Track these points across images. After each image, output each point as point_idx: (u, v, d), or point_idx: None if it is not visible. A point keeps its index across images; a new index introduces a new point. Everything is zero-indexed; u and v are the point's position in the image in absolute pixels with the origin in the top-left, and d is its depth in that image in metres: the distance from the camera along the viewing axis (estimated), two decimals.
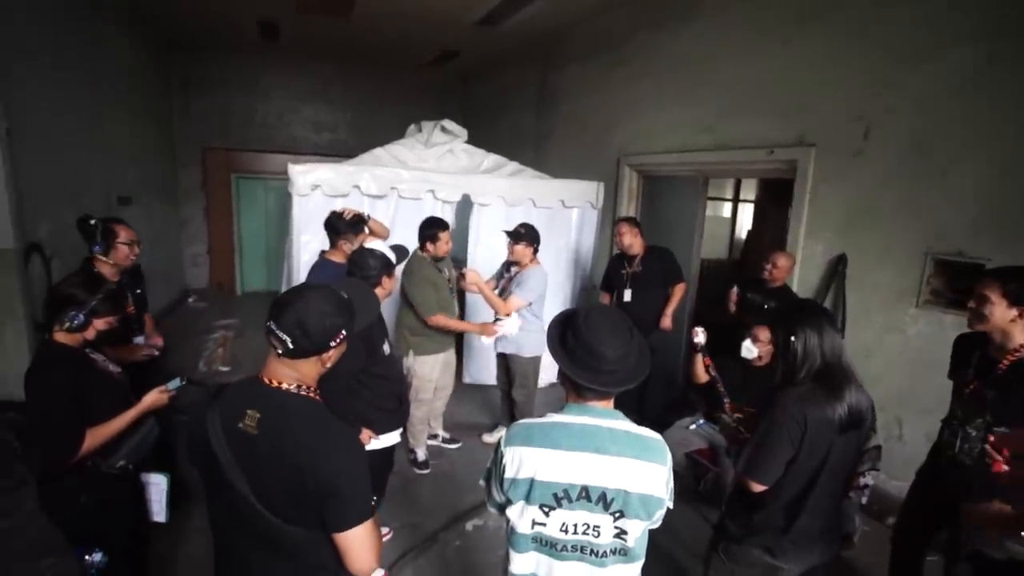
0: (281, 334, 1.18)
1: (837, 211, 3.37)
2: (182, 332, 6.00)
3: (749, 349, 3.11)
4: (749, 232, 8.09)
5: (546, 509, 1.24)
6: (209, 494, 1.27)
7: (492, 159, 4.92)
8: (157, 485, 1.95)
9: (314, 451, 1.14)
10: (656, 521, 1.28)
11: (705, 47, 4.22)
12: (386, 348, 2.46)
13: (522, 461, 1.24)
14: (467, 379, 4.91)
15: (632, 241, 3.96)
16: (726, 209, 8.07)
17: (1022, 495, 1.60)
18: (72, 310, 1.73)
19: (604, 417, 1.26)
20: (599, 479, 1.21)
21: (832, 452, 1.54)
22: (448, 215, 4.49)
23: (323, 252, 3.15)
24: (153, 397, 1.90)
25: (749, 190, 7.99)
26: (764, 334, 3.14)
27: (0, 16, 3.51)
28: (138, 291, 2.96)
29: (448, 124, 4.82)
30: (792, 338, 1.59)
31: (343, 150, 7.28)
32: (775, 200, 7.84)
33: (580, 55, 5.83)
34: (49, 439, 1.70)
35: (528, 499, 1.24)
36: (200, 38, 7.17)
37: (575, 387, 1.28)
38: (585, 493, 1.21)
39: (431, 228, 3.38)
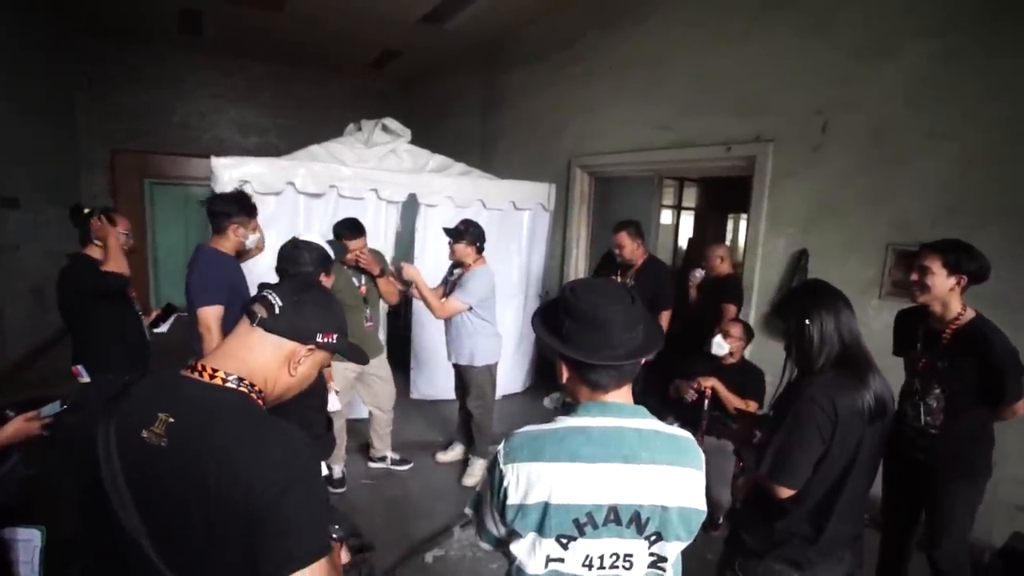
0: (273, 296, 0.97)
1: (798, 206, 3.34)
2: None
3: (720, 345, 2.99)
4: (690, 240, 8.23)
5: (565, 540, 0.96)
6: (87, 541, 0.91)
7: (438, 159, 4.64)
8: (27, 543, 1.49)
9: (249, 461, 0.81)
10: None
11: (659, 45, 4.17)
12: None
13: (531, 481, 0.96)
14: (415, 394, 4.56)
15: (634, 253, 3.58)
16: (667, 216, 8.17)
17: None
18: None
19: (629, 416, 1.01)
20: (631, 495, 0.96)
21: (862, 446, 1.36)
22: (392, 216, 4.17)
23: (203, 244, 2.61)
24: (17, 425, 1.47)
25: (690, 198, 8.14)
26: (735, 329, 3.03)
27: None
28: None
29: (390, 123, 4.50)
30: (807, 322, 1.42)
31: (274, 155, 6.75)
32: (717, 207, 8.08)
33: (528, 57, 5.70)
34: None
35: (542, 530, 0.96)
36: (110, 26, 6.44)
37: (584, 377, 1.02)
38: (614, 515, 0.96)
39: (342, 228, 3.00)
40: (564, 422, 1.02)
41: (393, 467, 3.51)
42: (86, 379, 2.54)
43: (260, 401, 0.95)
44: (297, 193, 3.69)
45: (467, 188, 4.39)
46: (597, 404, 1.02)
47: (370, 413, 3.43)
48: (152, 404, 0.87)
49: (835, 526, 1.40)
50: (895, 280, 2.95)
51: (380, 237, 4.11)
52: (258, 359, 0.95)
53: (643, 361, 1.05)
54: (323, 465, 2.02)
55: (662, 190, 4.66)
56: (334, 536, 1.00)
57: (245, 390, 0.93)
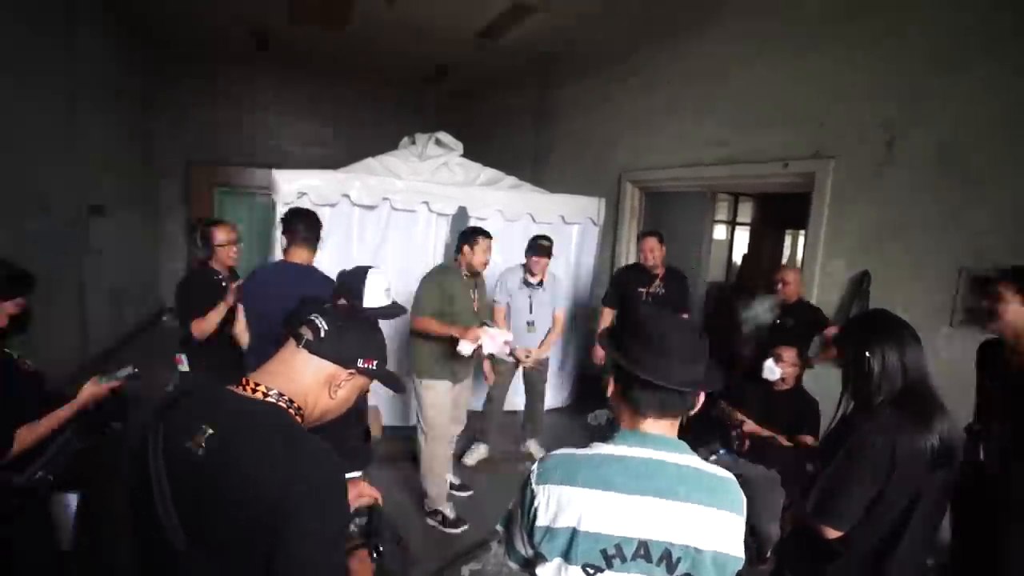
0: (320, 320, 1.02)
1: (860, 226, 3.18)
2: (152, 352, 5.62)
3: (771, 370, 2.87)
4: (744, 256, 7.96)
5: (591, 571, 0.95)
6: (137, 535, 0.96)
7: (488, 173, 4.70)
8: (69, 507, 1.65)
9: (276, 472, 0.85)
10: None
11: (715, 59, 4.09)
12: None
13: (561, 505, 0.96)
14: None
15: (660, 259, 3.66)
16: (721, 231, 7.94)
17: None
18: None
19: (669, 449, 0.99)
20: (663, 532, 0.93)
21: (922, 494, 1.28)
22: (443, 228, 4.25)
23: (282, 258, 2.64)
24: (91, 389, 1.63)
25: (745, 213, 7.88)
26: (788, 354, 2.91)
27: None
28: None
29: (443, 136, 4.61)
30: (867, 355, 1.35)
31: (332, 166, 7.02)
32: (772, 222, 7.78)
33: (580, 71, 5.71)
34: None
35: (568, 556, 0.95)
36: (187, 48, 6.95)
37: (628, 395, 1.01)
38: (644, 550, 0.93)
39: (468, 233, 3.08)
40: (601, 448, 1.00)
41: (454, 492, 3.38)
42: (185, 368, 2.75)
43: (299, 418, 0.98)
44: (352, 205, 3.83)
45: (516, 201, 4.43)
46: (636, 434, 1.00)
47: None
48: (197, 415, 0.92)
49: None
50: (968, 307, 2.75)
51: (430, 248, 4.20)
52: (300, 379, 0.99)
53: (693, 411, 1.02)
54: (358, 476, 2.07)
55: (715, 205, 4.55)
56: (356, 539, 1.08)
57: (284, 405, 0.96)
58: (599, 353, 3.98)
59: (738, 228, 7.87)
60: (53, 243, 4.32)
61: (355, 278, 2.00)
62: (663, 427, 1.01)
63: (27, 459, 1.54)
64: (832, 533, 1.33)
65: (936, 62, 2.81)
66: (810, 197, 3.43)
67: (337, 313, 1.06)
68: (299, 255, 2.58)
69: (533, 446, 3.97)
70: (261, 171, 7.47)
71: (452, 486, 3.38)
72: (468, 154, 4.70)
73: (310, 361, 1.00)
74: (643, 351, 0.99)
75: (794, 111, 3.51)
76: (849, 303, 3.20)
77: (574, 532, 0.94)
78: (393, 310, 2.06)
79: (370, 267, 2.09)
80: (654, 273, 3.66)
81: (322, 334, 1.00)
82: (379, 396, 4.14)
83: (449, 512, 3.06)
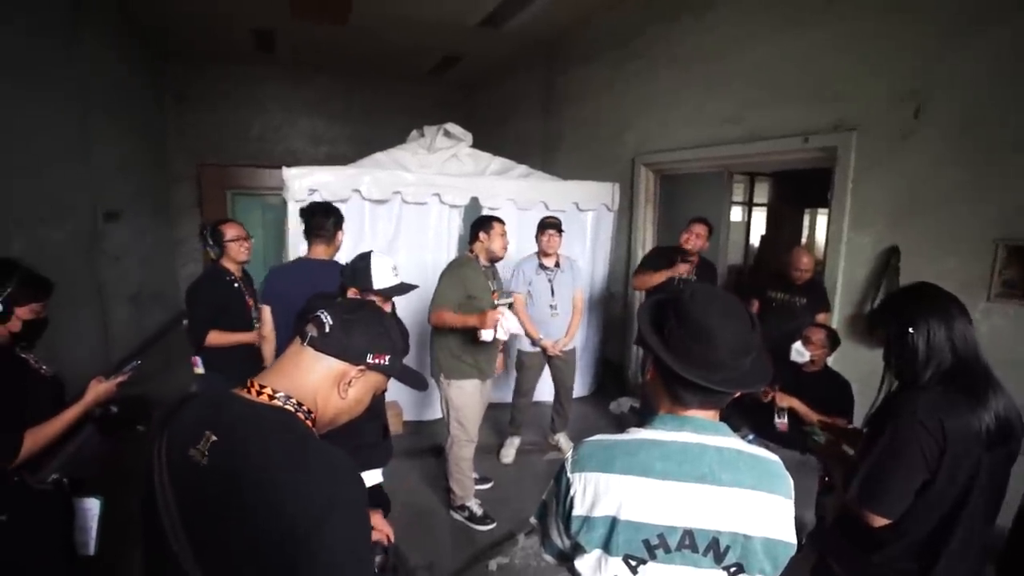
0: (325, 315, 0.95)
1: (886, 199, 3.06)
2: (173, 356, 5.66)
3: (800, 352, 2.80)
4: (763, 237, 7.79)
5: (634, 562, 0.90)
6: (146, 551, 0.91)
7: (499, 162, 4.63)
8: (88, 511, 1.63)
9: (288, 485, 0.78)
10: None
11: (727, 33, 3.96)
12: None
13: (598, 493, 0.90)
14: None
15: (701, 247, 3.57)
16: (737, 213, 7.78)
17: None
18: None
19: (710, 432, 0.93)
20: (708, 519, 0.88)
21: (979, 475, 1.21)
22: (455, 220, 4.20)
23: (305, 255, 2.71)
24: (100, 388, 1.62)
25: (761, 193, 7.71)
26: (817, 336, 2.83)
27: None
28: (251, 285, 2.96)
29: (452, 128, 4.56)
30: (910, 330, 1.27)
31: (342, 163, 6.99)
32: (791, 201, 7.61)
33: (587, 56, 5.60)
34: None
35: (608, 547, 0.90)
36: (193, 50, 6.95)
37: (671, 390, 0.95)
38: (689, 539, 0.88)
39: (482, 220, 3.03)
40: (638, 433, 0.95)
41: (476, 486, 3.32)
42: (200, 370, 2.74)
43: (309, 422, 0.92)
44: (363, 200, 3.79)
45: (529, 190, 4.37)
46: (675, 417, 0.94)
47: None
48: (200, 422, 0.86)
49: (946, 566, 1.24)
50: (1006, 280, 2.64)
51: (444, 241, 4.16)
52: (308, 379, 0.93)
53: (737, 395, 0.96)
54: (379, 473, 2.03)
55: (732, 186, 4.43)
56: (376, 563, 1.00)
57: (292, 408, 0.90)
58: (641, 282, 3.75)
59: (755, 210, 7.74)
60: (70, 250, 4.35)
61: (360, 263, 1.97)
62: (707, 413, 0.95)
63: (42, 461, 1.53)
64: (879, 521, 1.26)
65: (963, 19, 2.68)
66: (832, 172, 3.31)
67: (345, 306, 1.00)
68: (317, 250, 2.59)
69: (562, 439, 3.92)
70: (272, 172, 7.48)
71: (474, 480, 3.34)
72: (477, 145, 4.64)
73: (317, 359, 0.94)
74: (689, 343, 0.91)
75: (812, 83, 3.39)
76: (878, 280, 3.09)
77: (614, 521, 0.89)
78: (404, 287, 2.02)
79: (371, 251, 2.05)
80: (689, 259, 3.56)
81: (327, 329, 0.94)
82: (399, 390, 4.12)
83: (476, 508, 3.04)
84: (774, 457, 0.95)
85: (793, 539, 0.91)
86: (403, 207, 3.97)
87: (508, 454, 3.77)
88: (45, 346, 1.80)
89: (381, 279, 1.92)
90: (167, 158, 7.35)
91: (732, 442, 0.93)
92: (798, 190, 7.37)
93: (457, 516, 3.06)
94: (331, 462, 0.84)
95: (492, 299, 3.05)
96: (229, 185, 7.80)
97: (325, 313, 0.96)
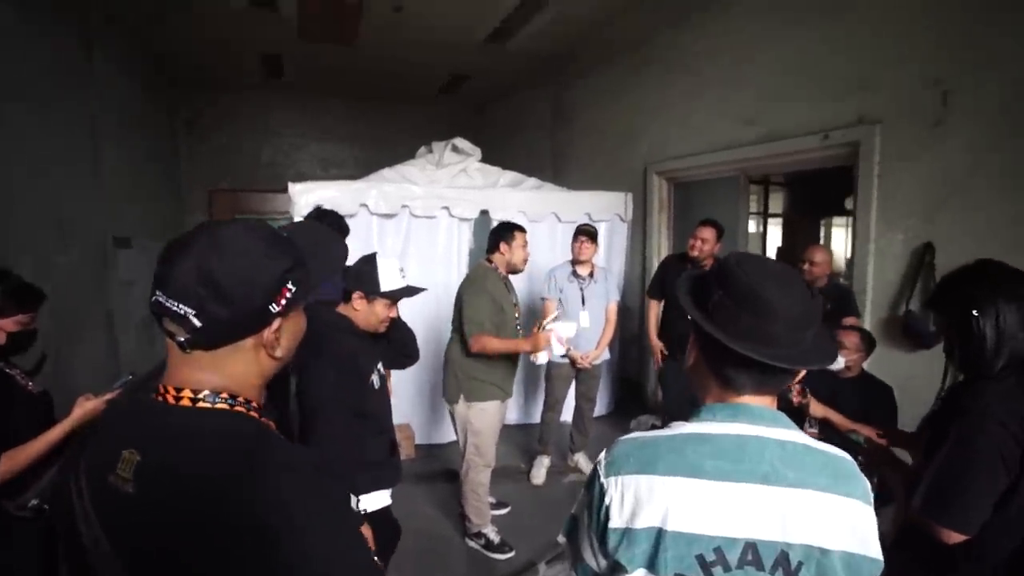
0: (175, 304, 0.66)
1: (917, 193, 2.90)
2: None
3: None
4: (779, 249, 7.61)
5: None
6: None
7: (509, 176, 4.56)
8: None
9: (252, 504, 0.61)
10: None
11: (741, 34, 3.87)
12: (375, 380, 1.87)
13: (639, 499, 0.75)
14: None
15: (710, 251, 3.40)
16: (752, 224, 7.61)
17: None
18: None
19: (768, 423, 0.78)
20: (775, 529, 0.72)
21: None
22: (465, 234, 4.11)
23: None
24: (88, 405, 1.50)
25: (776, 203, 7.56)
26: (850, 340, 2.64)
27: None
28: None
29: (460, 143, 4.50)
30: (976, 314, 1.12)
31: None
32: (807, 211, 7.45)
33: (595, 65, 5.55)
34: None
35: (654, 566, 0.74)
36: (204, 77, 7.04)
37: (720, 374, 0.81)
38: (753, 554, 0.72)
39: (503, 229, 2.91)
40: (682, 428, 0.80)
41: (491, 511, 3.15)
42: None
43: (255, 413, 0.72)
44: (370, 214, 3.72)
45: (539, 202, 4.28)
46: (727, 406, 0.80)
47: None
48: (117, 439, 0.68)
49: None
50: None
51: (453, 256, 4.06)
52: (227, 369, 0.71)
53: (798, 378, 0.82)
54: (387, 494, 1.88)
55: (748, 192, 4.29)
56: None
57: (225, 406, 0.70)
58: (656, 347, 3.70)
59: (770, 221, 7.58)
60: (79, 276, 4.32)
61: (364, 266, 1.85)
62: (764, 400, 0.81)
63: (24, 485, 1.42)
64: (954, 536, 1.09)
65: (990, 5, 2.56)
66: (854, 170, 3.16)
67: (188, 267, 0.66)
68: None
69: (582, 460, 3.73)
70: (282, 196, 7.50)
71: (489, 505, 3.17)
72: (487, 161, 4.58)
73: (212, 359, 0.70)
74: (740, 314, 0.77)
75: (831, 78, 3.27)
76: (913, 279, 2.91)
77: (659, 533, 0.74)
78: (412, 290, 1.90)
79: (375, 252, 1.94)
80: (701, 265, 3.39)
81: (194, 320, 0.66)
82: (411, 412, 3.99)
83: (493, 536, 2.86)
84: (844, 454, 0.80)
85: (879, 554, 0.76)
86: (411, 221, 3.89)
87: (539, 475, 3.60)
88: (52, 372, 1.72)
89: (388, 281, 1.81)
90: (179, 184, 7.40)
91: (795, 435, 0.78)
92: (813, 199, 7.23)
93: (473, 544, 2.88)
94: (296, 467, 0.67)
95: (515, 313, 2.91)
96: (240, 210, 7.83)
97: (168, 301, 0.66)
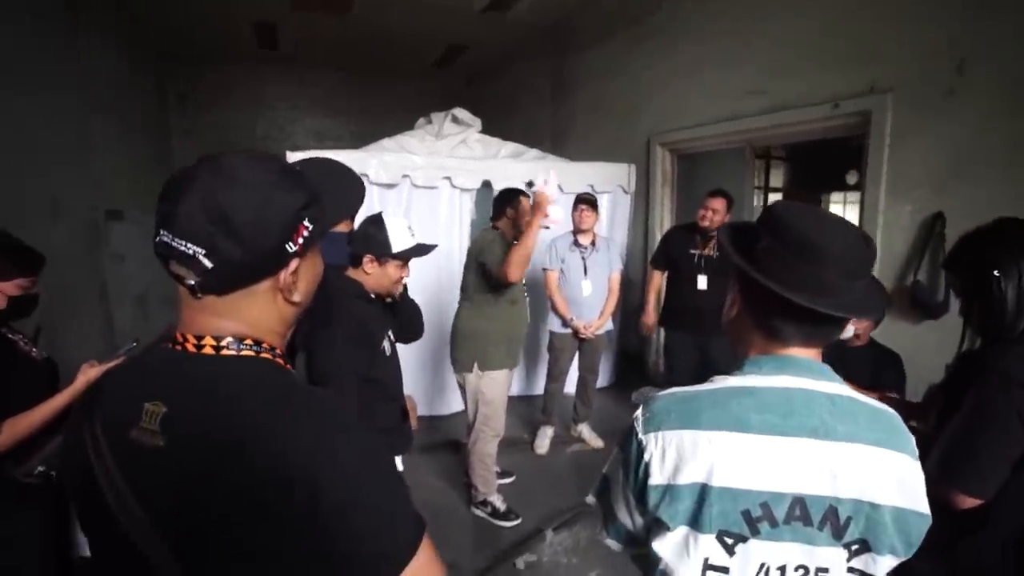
0: (182, 244, 0.61)
1: (928, 163, 2.87)
2: None
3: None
4: None
5: (731, 540, 0.72)
6: (96, 562, 0.70)
7: (511, 147, 4.49)
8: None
9: (295, 451, 0.58)
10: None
11: (745, 0, 3.78)
12: (386, 347, 1.80)
13: (682, 455, 0.72)
14: None
15: (721, 222, 3.30)
16: (754, 199, 7.58)
17: None
18: None
19: (816, 375, 0.75)
20: (823, 484, 0.70)
21: None
22: (467, 204, 4.05)
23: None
24: (92, 372, 1.48)
25: (777, 178, 7.53)
26: None
27: None
28: None
29: (460, 113, 4.42)
30: (996, 274, 1.09)
31: None
32: (806, 187, 7.42)
33: (597, 36, 5.43)
34: None
35: (697, 522, 0.72)
36: (197, 49, 6.86)
37: (766, 324, 0.77)
38: (801, 509, 0.70)
39: (508, 194, 2.88)
40: (725, 381, 0.77)
41: (497, 480, 3.15)
42: None
43: (280, 360, 0.69)
44: (371, 184, 3.64)
45: (542, 172, 4.18)
46: (773, 358, 0.77)
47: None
48: (136, 392, 0.64)
49: None
50: None
51: (456, 226, 4.01)
52: (243, 314, 0.67)
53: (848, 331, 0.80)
54: (398, 461, 1.86)
55: (754, 164, 4.24)
56: None
57: (251, 352, 0.66)
58: (649, 321, 3.72)
59: (771, 196, 7.55)
60: (72, 250, 4.25)
61: (372, 227, 1.78)
62: (810, 352, 0.78)
63: (28, 452, 1.39)
64: (968, 501, 1.07)
65: None
66: (864, 140, 3.12)
67: (194, 205, 0.61)
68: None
69: (585, 430, 3.75)
70: None
71: (496, 474, 3.17)
72: (486, 133, 4.49)
73: (226, 304, 0.66)
74: (790, 260, 0.74)
75: (841, 46, 3.20)
76: (922, 250, 2.89)
77: (704, 489, 0.71)
78: (423, 248, 1.84)
79: (380, 212, 1.88)
80: (710, 235, 3.35)
81: (205, 261, 0.61)
82: (413, 385, 3.97)
83: (499, 503, 2.87)
84: (889, 408, 0.78)
85: (927, 509, 0.74)
86: (412, 191, 3.82)
87: (542, 445, 3.62)
88: (46, 346, 1.68)
89: (399, 241, 1.76)
90: (172, 158, 7.26)
91: (843, 388, 0.76)
92: (814, 175, 7.20)
93: (479, 512, 2.89)
94: (334, 415, 0.64)
95: (522, 283, 2.91)
96: None
97: (175, 240, 0.61)
